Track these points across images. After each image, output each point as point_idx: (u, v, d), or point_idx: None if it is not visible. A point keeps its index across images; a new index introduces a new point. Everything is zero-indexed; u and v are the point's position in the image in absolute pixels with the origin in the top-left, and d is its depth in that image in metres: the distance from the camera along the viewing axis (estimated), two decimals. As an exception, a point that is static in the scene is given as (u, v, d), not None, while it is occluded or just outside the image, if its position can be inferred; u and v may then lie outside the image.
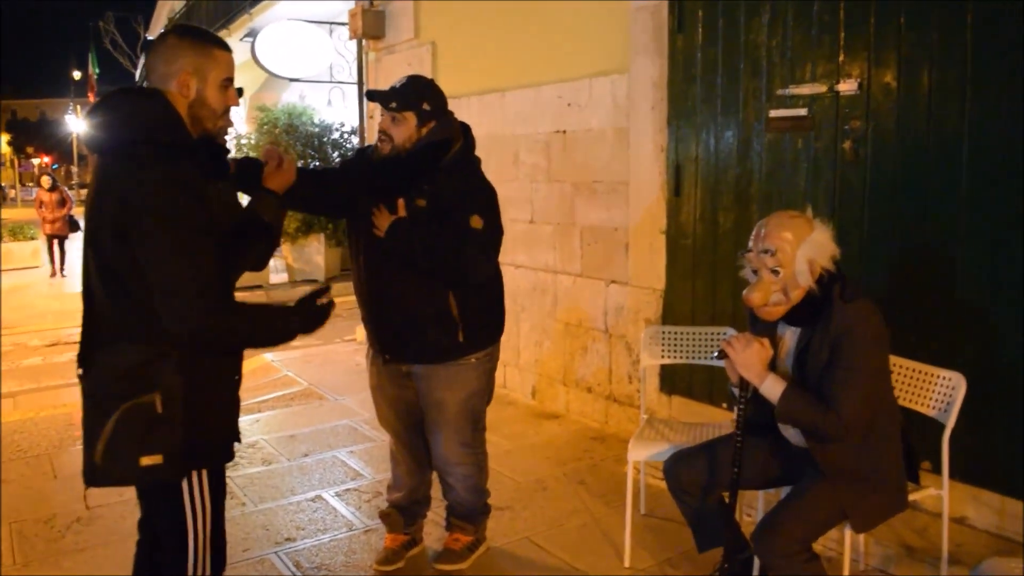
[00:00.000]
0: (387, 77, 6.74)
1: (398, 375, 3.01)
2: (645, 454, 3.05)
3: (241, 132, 12.36)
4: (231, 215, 2.33)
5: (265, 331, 2.07)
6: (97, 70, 34.42)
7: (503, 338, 5.42)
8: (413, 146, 2.82)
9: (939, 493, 2.60)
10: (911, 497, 2.54)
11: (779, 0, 3.50)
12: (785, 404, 2.31)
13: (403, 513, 3.21)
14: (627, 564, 3.12)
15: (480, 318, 2.94)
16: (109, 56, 28.00)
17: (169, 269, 1.84)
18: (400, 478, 3.20)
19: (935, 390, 2.62)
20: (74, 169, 50.81)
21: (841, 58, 3.28)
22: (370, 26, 6.61)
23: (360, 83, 7.24)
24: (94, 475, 1.96)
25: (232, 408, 2.20)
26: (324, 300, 2.18)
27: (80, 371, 1.99)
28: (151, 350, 1.90)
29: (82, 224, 2.05)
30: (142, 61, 26.98)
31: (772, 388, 2.33)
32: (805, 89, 3.42)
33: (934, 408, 2.61)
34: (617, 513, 3.47)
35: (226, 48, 2.07)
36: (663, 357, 3.45)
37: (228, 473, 4.14)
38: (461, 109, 5.73)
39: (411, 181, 2.82)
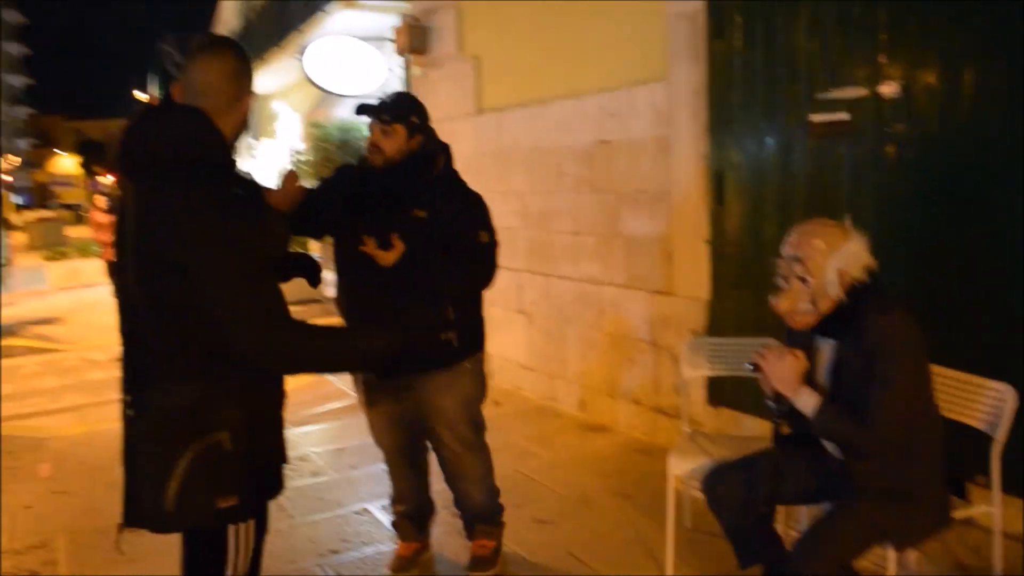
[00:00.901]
0: (432, 92, 6.81)
1: (394, 389, 3.06)
2: (686, 468, 3.00)
3: (298, 148, 12.63)
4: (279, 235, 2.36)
5: (343, 350, 2.00)
6: (160, 90, 35.45)
7: (550, 350, 5.45)
8: (404, 157, 2.92)
9: (990, 509, 2.50)
10: (962, 514, 2.46)
11: (819, 2, 3.43)
12: (819, 418, 2.26)
13: (412, 521, 3.29)
14: (669, 580, 3.08)
15: (471, 322, 3.09)
16: (168, 75, 28.84)
17: (236, 295, 1.78)
18: (402, 490, 3.28)
19: (984, 402, 2.52)
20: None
21: (882, 60, 3.20)
22: (415, 42, 6.68)
23: (407, 98, 7.30)
24: (163, 522, 1.87)
25: (282, 437, 2.21)
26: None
27: (132, 413, 1.90)
28: (209, 386, 1.83)
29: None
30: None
31: (806, 402, 2.28)
32: (846, 92, 3.34)
33: (983, 421, 2.52)
34: (661, 527, 3.41)
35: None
36: (706, 368, 3.40)
37: (277, 486, 4.25)
38: (505, 121, 5.78)
39: (407, 190, 2.92)
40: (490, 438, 4.76)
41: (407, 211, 2.89)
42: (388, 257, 2.77)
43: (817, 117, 3.47)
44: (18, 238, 23.50)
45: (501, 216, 5.84)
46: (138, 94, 48.13)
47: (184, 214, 1.77)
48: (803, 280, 2.30)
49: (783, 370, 2.32)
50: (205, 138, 1.86)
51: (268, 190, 2.34)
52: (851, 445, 2.26)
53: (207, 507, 1.83)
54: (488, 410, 5.39)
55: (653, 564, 3.21)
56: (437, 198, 2.93)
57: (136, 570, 3.39)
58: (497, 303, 6.08)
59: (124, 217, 1.87)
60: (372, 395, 3.15)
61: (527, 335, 5.78)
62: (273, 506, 3.89)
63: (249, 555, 1.98)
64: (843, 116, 3.36)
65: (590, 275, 5.07)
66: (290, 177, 2.39)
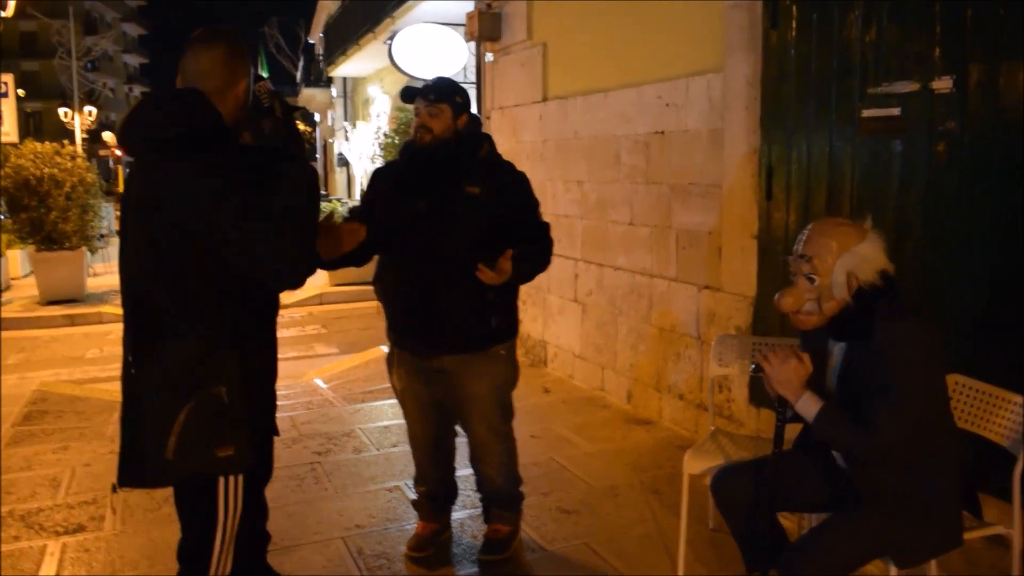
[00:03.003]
0: (503, 78, 6.83)
1: (428, 372, 3.10)
2: (701, 467, 2.95)
3: (385, 131, 12.89)
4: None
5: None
6: (266, 73, 36.66)
7: (602, 340, 5.42)
8: (451, 136, 3.00)
9: (1008, 531, 2.37)
10: (977, 534, 2.34)
11: (874, -9, 3.29)
12: (820, 423, 2.18)
13: (433, 503, 3.34)
14: (680, 578, 3.04)
15: (509, 305, 3.13)
16: (273, 59, 29.78)
17: (249, 234, 1.87)
18: (426, 471, 3.33)
19: (1007, 416, 2.39)
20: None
21: (936, 53, 3.04)
22: (487, 28, 6.71)
23: (478, 84, 7.35)
24: (162, 471, 1.97)
25: (272, 402, 2.31)
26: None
27: (134, 371, 2.01)
28: (207, 342, 1.95)
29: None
30: (301, 63, 28.62)
31: (808, 406, 2.21)
32: (898, 87, 3.19)
33: (1006, 437, 2.38)
34: (693, 526, 3.38)
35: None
36: (736, 366, 3.32)
37: (318, 458, 4.38)
38: (568, 109, 5.75)
39: (457, 167, 3.00)
40: (533, 425, 4.83)
41: (459, 187, 2.96)
42: (497, 279, 2.82)
43: (868, 112, 3.33)
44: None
45: (562, 204, 5.88)
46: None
47: (187, 179, 1.90)
48: (810, 279, 2.22)
49: (786, 373, 2.24)
50: (200, 113, 1.98)
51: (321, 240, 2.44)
52: (852, 452, 2.17)
53: (206, 456, 1.94)
54: (537, 397, 5.49)
55: (669, 561, 3.17)
56: (487, 175, 3.02)
57: (170, 531, 3.54)
58: (554, 291, 6.08)
59: (128, 190, 2.03)
60: (406, 378, 3.21)
61: (581, 325, 5.76)
62: (309, 477, 4.10)
63: (239, 513, 2.08)
64: (894, 112, 3.21)
65: (643, 267, 5.01)
66: (328, 224, 2.48)
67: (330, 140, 26.95)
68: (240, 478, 2.06)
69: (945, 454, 2.21)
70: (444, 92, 3.01)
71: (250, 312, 2.05)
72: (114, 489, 2.05)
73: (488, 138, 3.19)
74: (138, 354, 2.00)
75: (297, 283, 1.98)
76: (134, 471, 2.02)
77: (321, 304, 10.88)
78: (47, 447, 4.70)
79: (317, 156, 29.52)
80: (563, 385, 5.80)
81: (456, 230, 2.95)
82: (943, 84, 3.02)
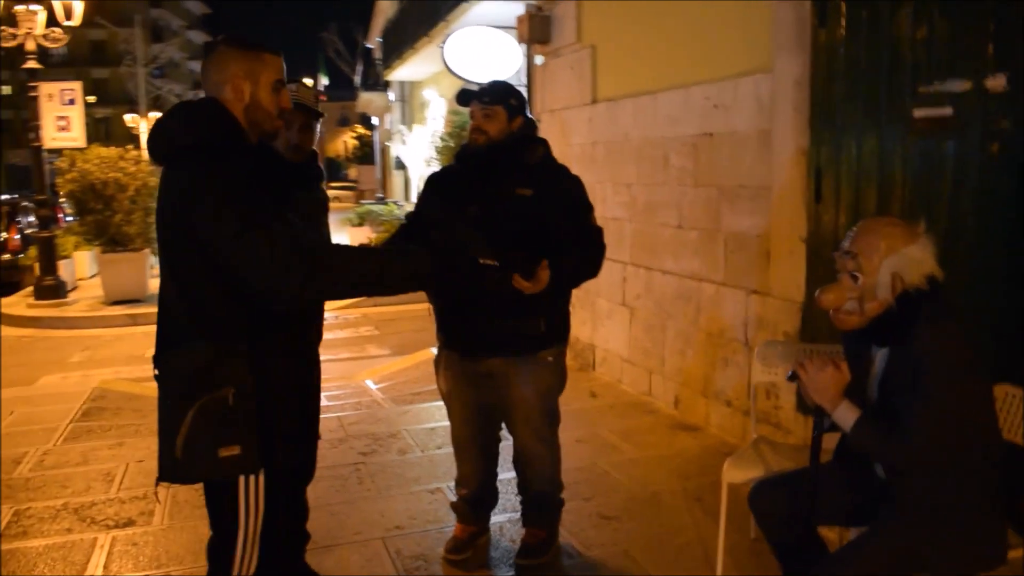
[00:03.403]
0: (552, 80, 6.82)
1: (476, 376, 3.10)
2: (741, 477, 2.89)
3: (440, 134, 12.99)
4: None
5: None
6: (327, 79, 37.32)
7: (650, 345, 5.36)
8: (507, 138, 3.00)
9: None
10: (1022, 552, 2.24)
11: (926, -12, 3.19)
12: (857, 434, 2.11)
13: (472, 506, 3.33)
14: (718, 589, 2.98)
15: (559, 310, 3.11)
16: (332, 64, 30.25)
17: (246, 242, 1.91)
18: (468, 475, 3.32)
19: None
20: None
21: (990, 51, 2.94)
22: (537, 30, 6.71)
23: (529, 87, 7.34)
24: (174, 469, 2.03)
25: (300, 415, 2.32)
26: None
27: (156, 372, 2.08)
28: (221, 348, 1.99)
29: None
30: (360, 67, 29.01)
31: (845, 416, 2.14)
32: (950, 86, 3.08)
33: (1059, 450, 2.28)
34: (726, 535, 3.31)
35: (275, 52, 2.16)
36: (780, 373, 3.25)
37: (363, 459, 4.42)
38: (617, 112, 5.71)
39: (510, 170, 3.00)
40: (579, 429, 4.81)
41: (511, 189, 2.96)
42: (533, 288, 2.79)
43: (920, 112, 3.23)
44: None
45: (611, 207, 5.84)
46: (306, 80, 51.00)
47: (188, 183, 1.95)
48: (854, 277, 2.16)
49: (823, 381, 2.18)
50: (214, 122, 2.03)
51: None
52: (888, 461, 2.11)
53: (210, 455, 1.97)
54: (584, 401, 5.46)
55: (708, 572, 3.11)
56: (540, 178, 3.01)
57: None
58: (602, 295, 6.04)
59: (157, 198, 2.08)
60: (452, 380, 3.22)
61: (629, 329, 5.71)
62: (353, 477, 4.14)
63: (261, 511, 2.11)
64: (946, 111, 3.11)
65: (691, 270, 4.94)
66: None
67: (387, 144, 27.26)
68: (260, 479, 2.09)
69: (988, 467, 2.12)
70: (499, 95, 3.02)
71: (263, 318, 2.06)
72: (157, 482, 2.10)
73: (543, 141, 3.19)
74: (158, 358, 2.07)
75: (292, 304, 2.01)
76: (161, 467, 2.08)
77: (375, 305, 10.99)
78: (104, 443, 4.84)
79: (375, 160, 29.89)
80: (611, 389, 5.76)
81: (506, 232, 2.93)
82: (997, 83, 2.91)
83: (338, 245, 2.14)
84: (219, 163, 1.97)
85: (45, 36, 10.47)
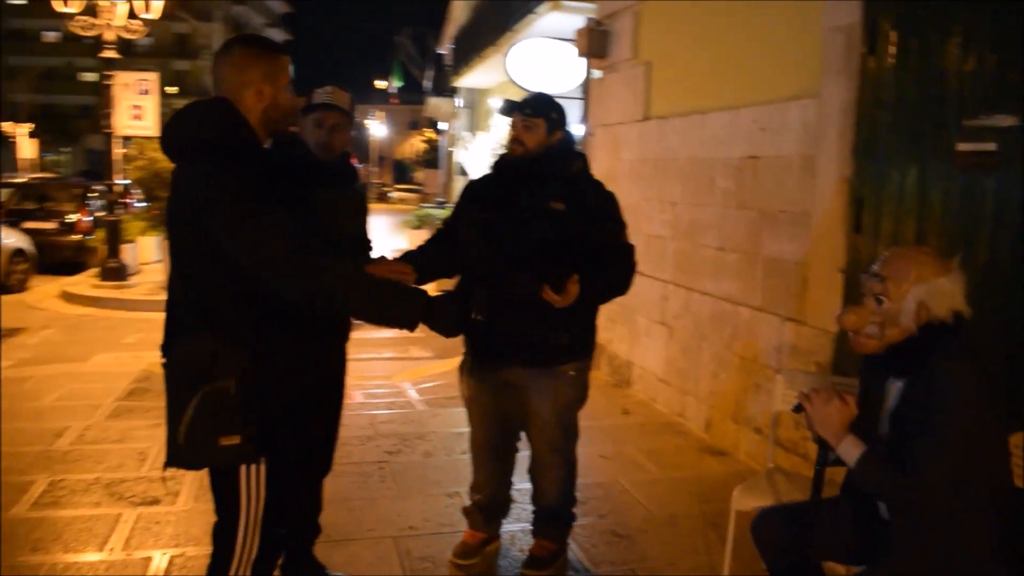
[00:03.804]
0: (608, 95, 6.82)
1: (497, 385, 3.11)
2: (750, 505, 2.86)
3: (501, 142, 13.07)
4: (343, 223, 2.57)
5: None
6: (400, 82, 37.80)
7: (685, 365, 5.32)
8: (544, 150, 3.03)
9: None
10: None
11: (976, 16, 3.11)
12: (860, 469, 2.07)
13: (484, 513, 3.34)
14: (722, 617, 2.95)
15: (584, 324, 3.12)
16: (405, 68, 30.67)
17: (256, 240, 1.99)
18: (483, 481, 3.33)
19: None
20: (374, 169, 56.30)
21: (1037, 87, 2.86)
22: (595, 45, 6.72)
23: (585, 100, 7.36)
24: (179, 456, 2.11)
25: (303, 408, 2.37)
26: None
27: (163, 361, 2.15)
28: (225, 339, 2.05)
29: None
30: (430, 72, 29.34)
31: (849, 451, 2.10)
32: (995, 121, 3.01)
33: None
34: (739, 563, 3.27)
35: (286, 53, 2.23)
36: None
37: (388, 458, 4.48)
38: (667, 129, 5.69)
39: (544, 182, 3.02)
40: (606, 446, 4.80)
41: (544, 202, 2.99)
42: (563, 301, 2.81)
43: (963, 146, 3.15)
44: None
45: (655, 225, 5.82)
46: (378, 82, 51.93)
47: (200, 181, 2.02)
48: (879, 300, 2.12)
49: (828, 414, 2.15)
50: (224, 121, 2.09)
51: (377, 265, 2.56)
52: (891, 499, 2.06)
53: (210, 444, 2.04)
54: (615, 418, 5.44)
55: (714, 598, 3.08)
56: (574, 193, 3.03)
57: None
58: (642, 312, 6.01)
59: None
60: (475, 387, 3.25)
61: (666, 348, 5.67)
62: (376, 475, 4.20)
63: (262, 500, 2.17)
64: (989, 147, 3.03)
65: (729, 293, 4.89)
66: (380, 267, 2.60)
67: (452, 149, 27.51)
68: (262, 468, 2.15)
69: (992, 512, 2.06)
70: (540, 107, 3.06)
71: (269, 312, 2.12)
72: (164, 466, 2.17)
73: (582, 156, 3.21)
74: (165, 348, 2.15)
75: (299, 294, 2.05)
76: (168, 452, 2.15)
77: (423, 308, 11.10)
78: (143, 423, 5.00)
79: (440, 164, 30.18)
80: (644, 408, 5.72)
81: (536, 244, 2.97)
82: (1044, 120, 2.83)
83: (342, 260, 2.18)
84: (232, 162, 2.03)
85: (124, 28, 10.87)
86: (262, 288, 2.04)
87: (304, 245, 2.02)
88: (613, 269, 3.06)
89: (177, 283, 2.14)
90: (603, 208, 3.10)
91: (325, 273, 2.06)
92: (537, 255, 2.95)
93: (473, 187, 3.38)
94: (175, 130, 2.15)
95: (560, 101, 3.19)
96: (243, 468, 2.13)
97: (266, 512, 2.24)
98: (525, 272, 2.90)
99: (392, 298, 2.18)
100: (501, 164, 3.16)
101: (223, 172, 2.02)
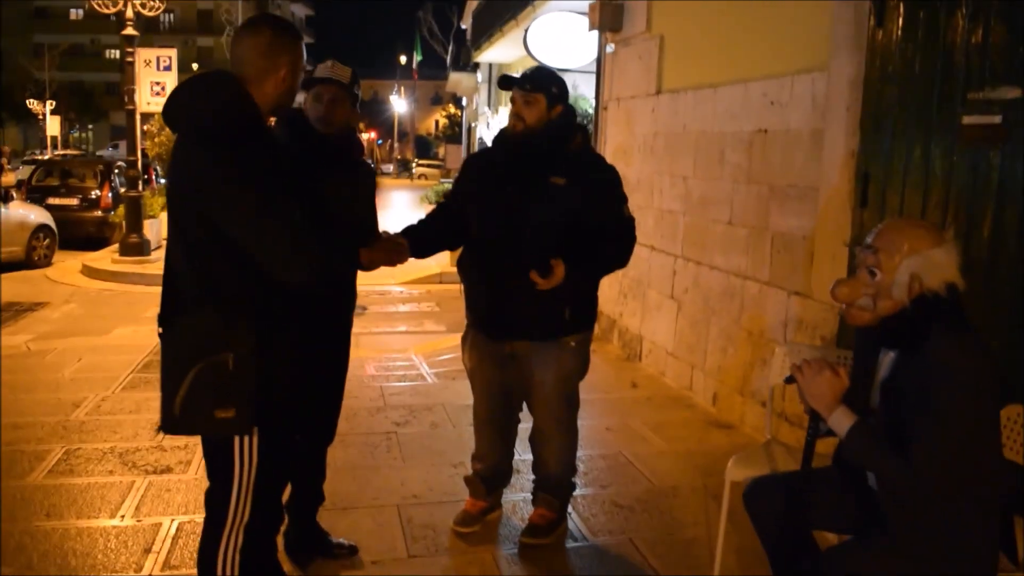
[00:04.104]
0: (621, 69, 6.79)
1: (500, 356, 3.15)
2: (744, 475, 2.87)
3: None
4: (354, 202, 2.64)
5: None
6: (420, 56, 37.69)
7: (694, 339, 5.33)
8: (545, 125, 3.02)
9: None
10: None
11: (984, -10, 3.07)
12: (851, 442, 2.08)
13: (485, 482, 3.39)
14: (714, 585, 2.98)
15: (584, 299, 3.14)
16: (426, 43, 30.59)
17: (260, 230, 2.05)
18: (485, 451, 3.38)
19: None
20: (396, 145, 56.32)
21: (1042, 59, 2.82)
22: (608, 19, 6.67)
23: (598, 74, 7.32)
24: (173, 424, 2.17)
25: (300, 383, 2.41)
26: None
27: (160, 331, 2.19)
28: (226, 315, 2.10)
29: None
30: (451, 47, 29.27)
31: (840, 422, 2.11)
32: (1000, 93, 2.97)
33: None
34: (737, 534, 3.30)
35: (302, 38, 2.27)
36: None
37: (396, 428, 4.54)
38: (678, 103, 5.66)
39: (545, 157, 3.03)
40: (612, 418, 4.83)
41: (545, 177, 3.00)
42: (547, 284, 2.86)
43: (969, 119, 3.12)
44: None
45: (667, 199, 5.81)
46: (402, 58, 51.84)
47: (207, 164, 2.04)
48: (872, 273, 2.12)
49: (820, 386, 2.14)
50: (233, 100, 2.11)
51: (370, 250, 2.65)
52: (883, 475, 2.07)
53: (207, 415, 2.10)
54: (623, 391, 5.47)
55: (709, 569, 3.11)
56: (575, 168, 3.04)
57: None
58: (653, 286, 6.02)
59: (170, 166, 2.20)
60: (477, 358, 3.30)
61: (676, 322, 5.67)
62: (383, 445, 4.26)
63: (255, 468, 2.22)
64: (995, 119, 3.00)
65: (738, 268, 4.88)
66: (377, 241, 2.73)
67: (473, 124, 27.46)
68: (255, 437, 2.19)
69: (985, 489, 2.06)
70: (540, 82, 3.05)
71: (269, 288, 2.16)
72: (157, 431, 2.22)
73: (583, 130, 3.21)
74: (163, 322, 2.19)
75: (299, 283, 2.17)
76: (162, 419, 2.21)
77: (440, 283, 11.15)
78: (157, 394, 5.05)
79: (462, 140, 30.15)
80: (653, 382, 5.74)
81: (536, 219, 2.99)
82: (1048, 91, 2.79)
83: (339, 244, 2.44)
84: (240, 149, 2.05)
85: (143, 4, 10.93)
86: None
87: (303, 240, 2.09)
88: (613, 243, 3.08)
89: (180, 257, 2.16)
90: (604, 182, 3.12)
91: (322, 265, 2.19)
92: (538, 230, 2.97)
93: (474, 161, 3.39)
94: (182, 107, 2.14)
95: (575, 74, 3.20)
96: (236, 437, 2.18)
97: (269, 481, 2.30)
98: (525, 247, 2.93)
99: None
100: (502, 139, 3.18)
101: (227, 160, 2.03)
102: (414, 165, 46.32)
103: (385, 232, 2.90)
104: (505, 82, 3.14)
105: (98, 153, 32.57)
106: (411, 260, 2.97)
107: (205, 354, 2.07)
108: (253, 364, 2.11)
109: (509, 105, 3.13)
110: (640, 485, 3.90)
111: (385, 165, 53.16)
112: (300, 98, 2.85)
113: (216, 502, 2.26)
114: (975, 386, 1.97)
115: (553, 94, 3.04)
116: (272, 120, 2.68)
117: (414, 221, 3.22)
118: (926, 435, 1.95)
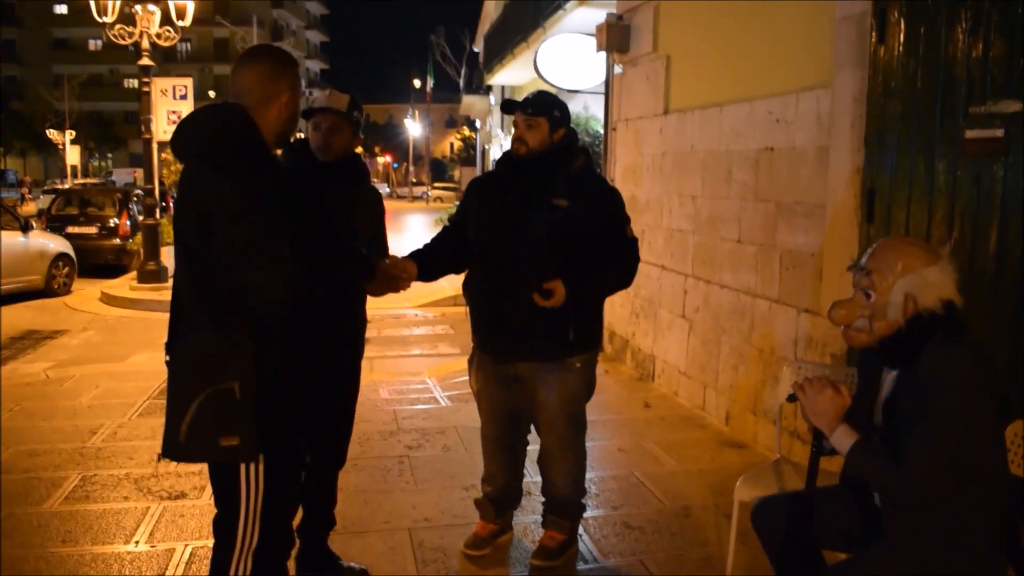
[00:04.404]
0: (629, 88, 6.83)
1: (505, 377, 3.17)
2: (752, 495, 2.86)
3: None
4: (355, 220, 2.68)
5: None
6: (432, 79, 38.04)
7: (705, 358, 5.32)
8: (547, 148, 3.07)
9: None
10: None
11: (983, 3, 3.07)
12: (853, 459, 2.08)
13: (495, 504, 3.39)
14: (727, 607, 2.96)
15: (589, 320, 3.14)
16: (439, 66, 30.88)
17: (250, 255, 2.06)
18: (493, 473, 3.39)
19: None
20: (411, 168, 56.68)
21: (1042, 73, 2.82)
22: (615, 39, 6.73)
23: (607, 95, 7.36)
24: (176, 451, 2.18)
25: (306, 409, 2.44)
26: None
27: (167, 357, 2.22)
28: (229, 340, 2.11)
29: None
30: (464, 71, 29.50)
31: (842, 440, 2.11)
32: (1001, 107, 2.97)
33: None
34: (748, 553, 3.28)
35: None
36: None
37: (408, 452, 4.55)
38: (686, 123, 5.69)
39: (547, 179, 3.06)
40: (624, 438, 4.82)
41: (546, 199, 3.03)
42: (549, 304, 2.89)
43: (971, 133, 3.12)
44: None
45: (676, 219, 5.82)
46: (416, 82, 52.31)
47: (210, 185, 2.08)
48: (866, 294, 2.13)
49: (821, 404, 2.15)
50: (236, 120, 2.16)
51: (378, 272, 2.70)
52: (885, 489, 2.06)
53: (211, 443, 2.11)
54: (636, 411, 5.46)
55: (721, 589, 3.10)
56: (577, 189, 3.07)
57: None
58: (664, 306, 6.02)
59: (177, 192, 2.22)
60: (483, 380, 3.31)
61: (687, 341, 5.67)
62: (395, 469, 4.28)
63: (261, 494, 2.23)
64: (997, 133, 3.00)
65: (747, 286, 4.88)
66: (384, 270, 2.75)
67: (487, 146, 27.62)
68: (260, 463, 2.21)
69: (988, 503, 2.05)
70: (542, 106, 3.09)
71: (277, 314, 2.18)
72: (159, 458, 2.25)
73: (585, 152, 3.23)
74: (169, 347, 2.22)
75: (282, 313, 2.20)
76: (165, 445, 2.22)
77: (455, 305, 11.17)
78: (173, 420, 5.13)
79: (476, 162, 30.32)
80: (666, 401, 5.73)
81: (539, 241, 3.01)
82: (1049, 105, 2.79)
83: (327, 253, 2.45)
84: (244, 171, 2.09)
85: (159, 35, 11.11)
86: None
87: (302, 274, 2.13)
88: (616, 264, 3.10)
89: (185, 281, 2.20)
90: (606, 203, 3.14)
91: (318, 277, 2.26)
92: (539, 251, 2.99)
93: (478, 184, 3.43)
94: (190, 133, 2.19)
95: (586, 95, 3.26)
96: (242, 464, 2.20)
97: (277, 506, 2.32)
98: (528, 268, 2.96)
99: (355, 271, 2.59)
100: (505, 161, 3.21)
101: (238, 183, 2.07)
102: (428, 189, 46.68)
103: (392, 257, 2.93)
104: (508, 106, 3.18)
105: (112, 178, 33.00)
106: (424, 283, 3.01)
107: (210, 382, 2.09)
108: (260, 392, 2.13)
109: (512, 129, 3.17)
110: (652, 506, 3.88)
111: (401, 189, 53.48)
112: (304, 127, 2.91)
113: (224, 528, 2.27)
114: (966, 390, 1.97)
115: (555, 117, 3.08)
116: (279, 152, 2.72)
117: (420, 245, 3.26)
118: (919, 440, 1.96)
